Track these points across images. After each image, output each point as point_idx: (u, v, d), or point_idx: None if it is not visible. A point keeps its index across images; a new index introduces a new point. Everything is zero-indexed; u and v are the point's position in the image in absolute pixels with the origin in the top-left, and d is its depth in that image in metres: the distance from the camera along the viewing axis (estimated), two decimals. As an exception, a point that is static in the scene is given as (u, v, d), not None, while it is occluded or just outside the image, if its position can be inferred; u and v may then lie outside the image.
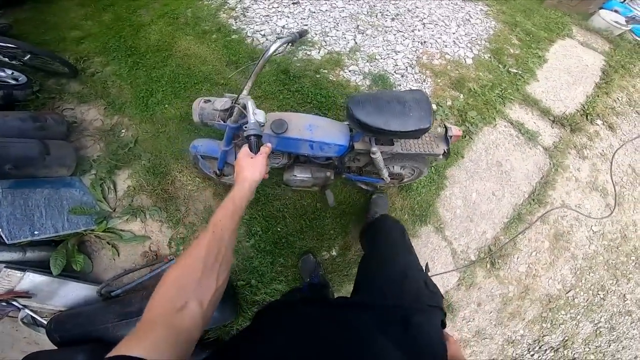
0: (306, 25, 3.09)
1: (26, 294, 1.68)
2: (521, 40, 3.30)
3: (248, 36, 2.97)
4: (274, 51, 1.25)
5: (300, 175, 1.78)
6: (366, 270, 1.32)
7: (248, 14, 3.14)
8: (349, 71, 2.85)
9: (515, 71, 3.04)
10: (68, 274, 1.89)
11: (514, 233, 2.37)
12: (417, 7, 3.44)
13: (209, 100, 1.47)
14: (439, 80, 2.88)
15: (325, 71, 2.82)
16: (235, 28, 3.03)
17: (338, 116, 2.60)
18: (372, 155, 1.62)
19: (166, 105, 2.53)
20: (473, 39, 3.22)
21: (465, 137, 2.66)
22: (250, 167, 0.94)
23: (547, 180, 2.57)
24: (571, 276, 2.33)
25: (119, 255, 2.08)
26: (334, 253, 2.32)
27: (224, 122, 1.41)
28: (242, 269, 2.16)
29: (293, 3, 3.21)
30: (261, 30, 3.00)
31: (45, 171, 1.98)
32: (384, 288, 1.08)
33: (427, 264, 1.28)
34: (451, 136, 1.67)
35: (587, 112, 2.91)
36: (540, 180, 2.58)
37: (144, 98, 2.55)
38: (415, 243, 2.30)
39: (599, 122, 2.90)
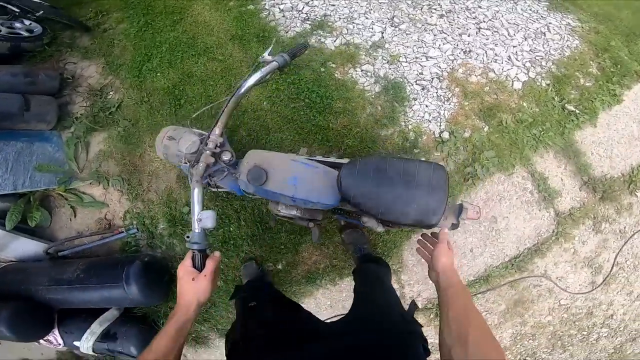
0: (334, 6, 2.66)
1: None
2: (602, 70, 2.49)
3: (265, 9, 2.67)
4: (254, 83, 1.10)
5: (285, 210, 1.51)
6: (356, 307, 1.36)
7: (275, -19, 2.79)
8: (361, 70, 2.45)
9: (573, 109, 2.33)
10: (25, 227, 2.09)
11: (473, 291, 2.20)
12: (479, 7, 2.72)
13: (174, 138, 1.28)
14: (467, 103, 2.34)
15: (333, 65, 2.46)
16: (262, -2, 2.73)
17: (328, 123, 2.32)
18: (364, 224, 1.39)
19: (158, 74, 2.47)
20: (537, 57, 2.49)
21: (467, 180, 2.19)
22: (193, 293, 0.86)
23: (539, 248, 2.22)
24: (509, 340, 2.30)
25: (75, 217, 2.24)
26: (279, 267, 2.29)
27: (190, 167, 1.25)
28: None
29: (327, -25, 2.75)
30: (280, 4, 2.67)
31: (23, 125, 2.11)
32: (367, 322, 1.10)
33: (413, 301, 1.17)
34: (464, 218, 1.34)
35: (634, 179, 2.28)
36: (531, 247, 2.23)
37: (140, 62, 2.51)
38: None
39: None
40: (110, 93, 2.46)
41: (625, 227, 2.28)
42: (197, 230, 0.95)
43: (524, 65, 2.46)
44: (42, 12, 2.39)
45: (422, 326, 1.07)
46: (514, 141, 2.25)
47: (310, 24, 2.59)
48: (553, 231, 2.22)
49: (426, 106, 2.36)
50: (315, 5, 2.67)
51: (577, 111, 2.33)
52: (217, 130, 1.15)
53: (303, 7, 2.65)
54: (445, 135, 2.27)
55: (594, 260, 2.28)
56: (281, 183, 1.23)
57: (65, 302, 2.04)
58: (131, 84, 2.46)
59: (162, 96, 2.42)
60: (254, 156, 1.26)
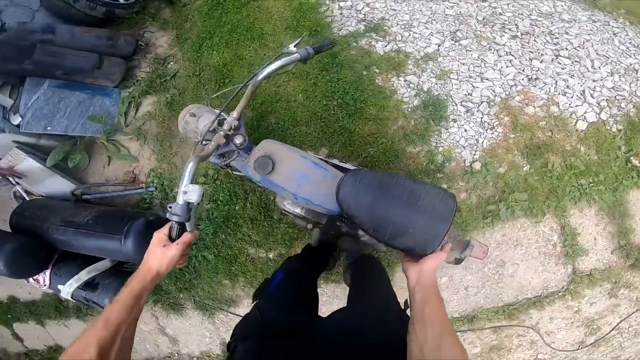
0: (395, 11, 2.53)
1: (20, 174, 2.23)
2: None
3: (325, 3, 2.66)
4: (272, 71, 1.13)
5: (290, 206, 1.53)
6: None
7: (344, -23, 2.76)
8: (404, 80, 2.30)
9: (639, 166, 1.94)
10: (63, 166, 2.39)
11: (454, 328, 1.93)
12: (565, 33, 2.34)
13: (195, 115, 1.32)
14: (513, 136, 2.06)
15: (377, 71, 2.36)
16: (323, -10, 2.73)
17: (355, 127, 2.25)
18: (361, 238, 1.37)
19: (214, 52, 2.65)
20: (618, 97, 2.08)
21: (487, 218, 1.93)
22: (159, 259, 0.86)
23: (539, 301, 2.08)
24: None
25: (108, 165, 2.53)
26: (270, 255, 2.34)
27: (199, 142, 1.31)
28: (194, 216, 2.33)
29: (397, -21, 2.63)
30: (341, 1, 2.64)
31: (91, 80, 2.44)
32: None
33: (406, 300, 1.16)
34: (468, 256, 1.26)
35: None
36: (532, 298, 2.11)
37: (203, 39, 2.71)
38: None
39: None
40: (171, 63, 2.71)
41: None
42: (180, 202, 0.94)
43: (598, 103, 2.07)
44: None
45: None
46: (554, 188, 1.95)
47: (365, 25, 2.51)
48: (563, 287, 2.06)
49: (465, 130, 2.13)
50: (376, 7, 2.57)
51: None
52: (234, 114, 1.16)
53: (363, 8, 2.58)
54: (477, 165, 2.02)
55: (595, 321, 2.16)
56: (286, 177, 1.20)
57: (68, 244, 2.16)
58: (189, 58, 2.68)
59: (212, 73, 2.59)
60: (266, 145, 1.24)
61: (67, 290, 2.22)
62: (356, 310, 1.28)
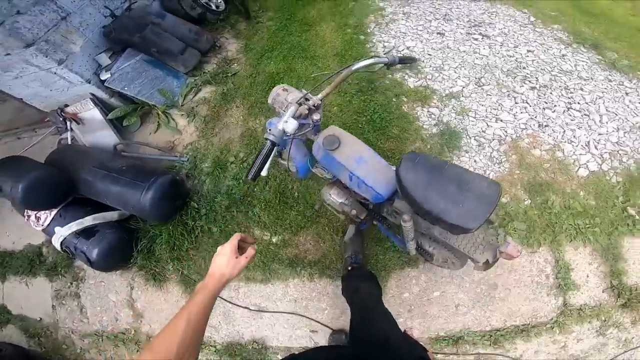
0: (430, 55, 2.92)
1: (80, 120, 2.65)
2: None
3: (372, 42, 3.13)
4: (364, 66, 1.33)
5: (335, 197, 1.70)
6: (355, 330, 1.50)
7: (391, 25, 3.25)
8: (427, 111, 2.61)
9: (634, 216, 2.03)
10: (118, 124, 2.82)
11: (437, 348, 2.05)
12: (580, 89, 2.60)
13: (286, 90, 1.49)
14: (518, 172, 2.23)
15: (405, 99, 2.69)
16: (369, 31, 3.24)
17: (378, 141, 2.52)
18: (403, 224, 1.44)
19: (271, 62, 3.14)
20: (620, 152, 2.26)
21: (488, 269, 2.03)
22: (231, 266, 0.94)
23: (526, 329, 2.02)
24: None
25: (155, 132, 2.92)
26: (274, 240, 2.41)
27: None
28: (213, 190, 2.57)
29: (438, 33, 3.06)
30: (386, 41, 3.09)
31: (172, 63, 2.98)
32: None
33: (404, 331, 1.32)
34: (502, 252, 1.34)
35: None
36: (519, 325, 2.04)
37: (265, 50, 3.24)
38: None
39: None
40: (234, 65, 3.23)
41: (633, 338, 2.04)
42: (279, 127, 1.12)
43: (601, 155, 2.25)
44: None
45: (426, 350, 1.14)
46: (552, 223, 2.05)
47: (402, 64, 2.90)
48: (552, 319, 2.02)
49: (475, 161, 2.34)
50: (414, 51, 2.99)
51: (639, 218, 2.01)
52: (319, 95, 1.35)
53: (403, 49, 3.01)
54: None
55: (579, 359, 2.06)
56: (348, 156, 1.40)
57: (92, 186, 2.27)
58: (251, 63, 3.20)
59: (265, 77, 3.05)
60: (334, 128, 1.48)
61: (63, 233, 2.22)
62: (362, 337, 1.35)
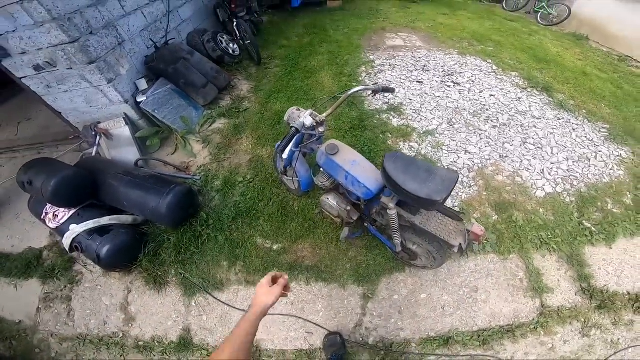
0: (411, 100, 3.50)
1: (110, 135, 3.02)
2: (638, 203, 2.53)
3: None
4: (357, 91, 1.76)
5: (332, 201, 2.13)
6: None
7: (379, 74, 3.90)
8: (408, 145, 3.10)
9: (589, 227, 2.41)
10: (141, 144, 3.18)
11: (428, 350, 2.12)
12: (534, 127, 3.19)
13: (299, 110, 1.95)
14: (485, 194, 2.66)
15: (390, 135, 3.19)
16: (360, 79, 3.88)
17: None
18: (389, 212, 1.83)
19: (277, 102, 3.68)
20: (571, 177, 2.74)
21: (462, 254, 2.37)
22: (267, 295, 1.06)
23: (512, 330, 2.13)
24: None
25: (173, 154, 3.31)
26: (274, 247, 2.61)
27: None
28: (222, 205, 2.85)
29: (417, 81, 3.67)
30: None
31: (193, 94, 3.50)
32: None
33: None
34: (469, 231, 1.73)
35: (640, 302, 2.06)
36: (504, 326, 2.15)
37: (272, 92, 3.81)
38: (336, 292, 2.36)
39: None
40: (245, 102, 3.76)
41: (619, 339, 2.12)
42: (300, 120, 1.65)
43: (555, 180, 2.71)
44: (248, 41, 4.04)
45: None
46: (517, 235, 2.41)
47: (387, 106, 3.48)
48: (533, 319, 2.17)
49: (448, 185, 2.77)
50: (398, 96, 3.58)
51: (596, 231, 2.39)
52: (324, 114, 1.80)
53: (389, 96, 3.58)
54: (456, 210, 2.59)
55: (570, 360, 2.17)
56: (344, 160, 1.84)
57: (115, 190, 2.48)
58: (260, 102, 3.74)
59: (272, 115, 3.56)
60: (334, 140, 1.95)
61: (77, 230, 2.33)
62: None
